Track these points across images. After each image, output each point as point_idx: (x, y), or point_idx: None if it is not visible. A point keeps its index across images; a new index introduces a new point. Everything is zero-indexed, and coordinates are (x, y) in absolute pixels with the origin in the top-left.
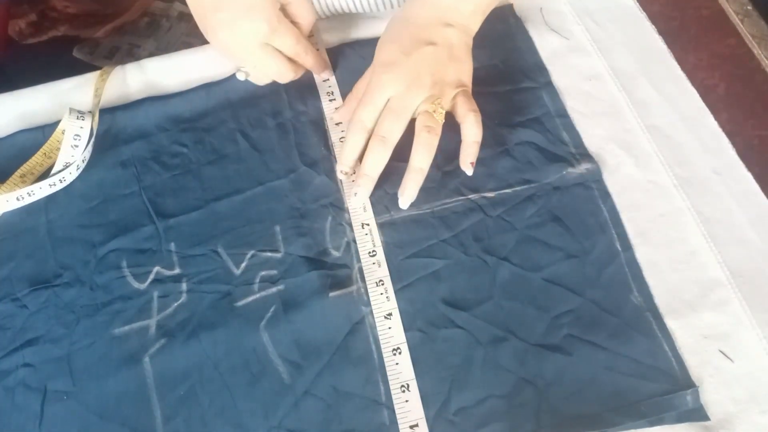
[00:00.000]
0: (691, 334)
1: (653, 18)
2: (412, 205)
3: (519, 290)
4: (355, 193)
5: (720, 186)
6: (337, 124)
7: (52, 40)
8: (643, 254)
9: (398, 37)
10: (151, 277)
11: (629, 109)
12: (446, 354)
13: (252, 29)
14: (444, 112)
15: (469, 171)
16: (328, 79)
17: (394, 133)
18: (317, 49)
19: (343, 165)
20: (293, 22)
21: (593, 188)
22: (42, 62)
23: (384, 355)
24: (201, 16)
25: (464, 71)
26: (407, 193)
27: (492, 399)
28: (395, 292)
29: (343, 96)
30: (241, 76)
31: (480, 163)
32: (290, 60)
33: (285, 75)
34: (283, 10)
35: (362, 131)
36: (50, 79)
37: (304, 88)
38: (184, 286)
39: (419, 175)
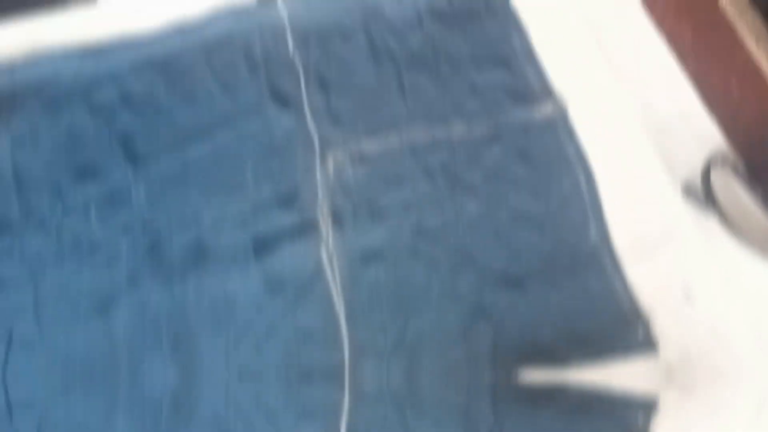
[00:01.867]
0: (653, 275)
1: None
2: (381, 138)
3: (484, 224)
4: None
5: (685, 130)
6: None
7: None
8: (606, 195)
9: None
10: (120, 225)
11: (597, 53)
12: (407, 282)
13: None
14: None
15: None
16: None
17: None
18: None
19: None
20: None
21: (558, 127)
22: None
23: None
24: None
25: None
26: None
27: (448, 324)
28: (366, 227)
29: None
30: None
31: (449, 102)
32: None
33: None
34: None
35: None
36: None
37: (276, 28)
38: (152, 233)
39: None
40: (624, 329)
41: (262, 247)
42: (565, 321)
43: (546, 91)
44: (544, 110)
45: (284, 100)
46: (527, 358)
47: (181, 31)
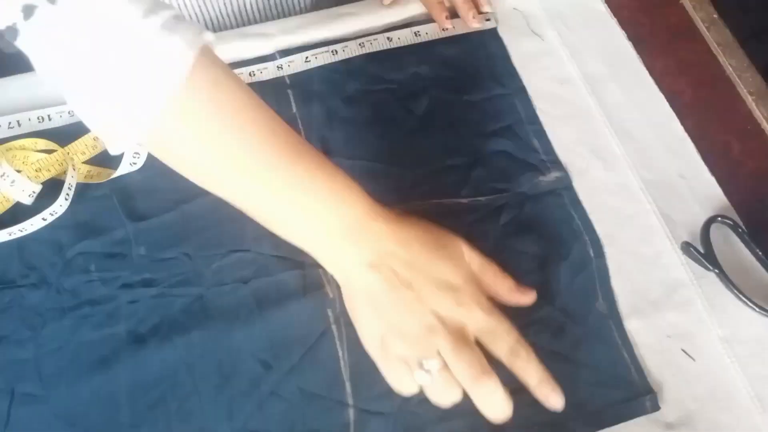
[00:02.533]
0: (654, 333)
1: (623, 23)
2: (384, 200)
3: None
4: None
5: (685, 189)
6: None
7: None
8: (610, 256)
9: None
10: (121, 282)
11: (598, 112)
12: None
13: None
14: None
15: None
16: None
17: None
18: None
19: None
20: None
21: (564, 196)
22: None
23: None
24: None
25: None
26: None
27: None
28: None
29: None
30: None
31: (453, 170)
32: None
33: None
34: None
35: None
36: (22, 71)
37: (279, 88)
38: (154, 290)
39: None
40: (633, 402)
41: (266, 305)
42: (574, 396)
43: (551, 158)
44: (549, 178)
45: None
46: None
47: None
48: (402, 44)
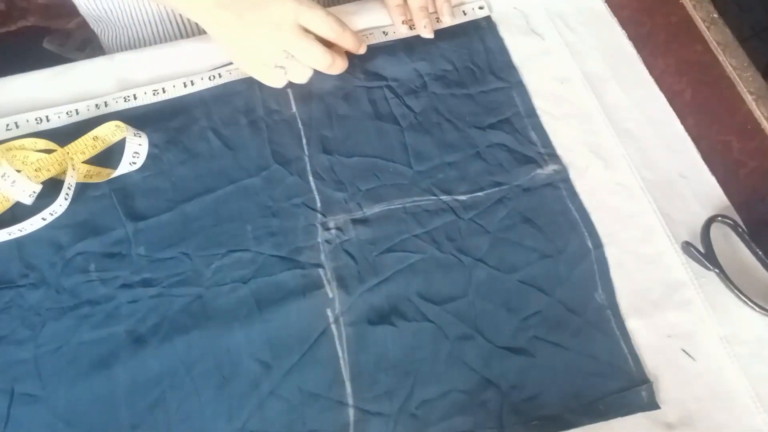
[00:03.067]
0: (655, 333)
1: (624, 23)
2: (384, 201)
3: (494, 291)
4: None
5: (685, 188)
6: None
7: (22, 31)
8: (610, 255)
9: None
10: (120, 282)
11: (598, 112)
12: (413, 348)
13: (282, 11)
14: None
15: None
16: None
17: None
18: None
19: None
20: None
21: (561, 188)
22: (11, 53)
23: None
24: (225, 31)
25: None
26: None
27: (454, 393)
28: (371, 288)
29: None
30: (279, 76)
31: (452, 165)
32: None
33: (323, 56)
34: None
35: None
36: (19, 71)
37: (279, 91)
38: (153, 290)
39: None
40: (629, 392)
41: (266, 304)
42: (572, 386)
43: (549, 152)
44: (547, 171)
45: (285, 159)
46: (533, 426)
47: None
48: (398, 38)
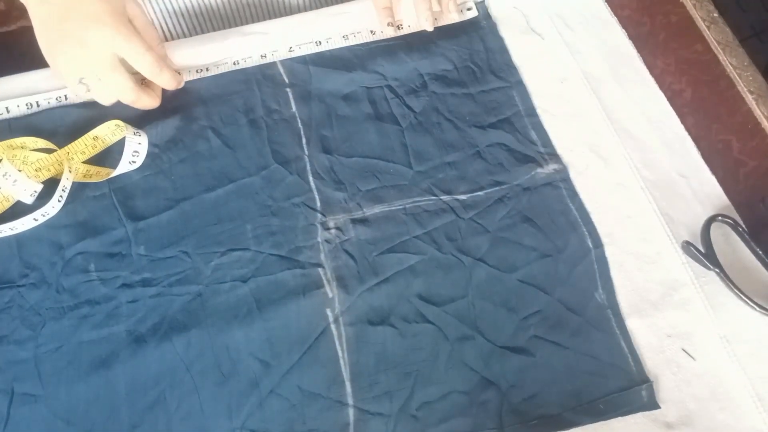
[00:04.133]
0: (655, 332)
1: (623, 22)
2: (384, 202)
3: (494, 291)
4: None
5: (685, 188)
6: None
7: (22, 31)
8: (610, 254)
9: None
10: (120, 281)
11: (598, 111)
12: (414, 349)
13: (99, 36)
14: None
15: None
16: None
17: None
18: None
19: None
20: None
21: (561, 188)
22: (11, 53)
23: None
24: (44, 29)
25: None
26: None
27: (454, 395)
28: (371, 288)
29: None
30: (81, 90)
31: (452, 165)
32: (136, 80)
33: (129, 92)
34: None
35: None
36: (19, 71)
37: (277, 87)
38: (153, 290)
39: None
40: (629, 392)
41: (266, 303)
42: (572, 385)
43: (549, 151)
44: (547, 170)
45: (285, 159)
46: (533, 426)
47: (181, 87)
48: (385, 36)
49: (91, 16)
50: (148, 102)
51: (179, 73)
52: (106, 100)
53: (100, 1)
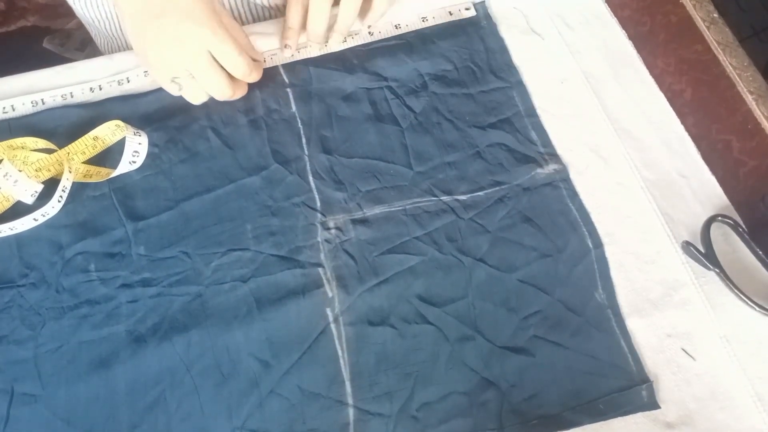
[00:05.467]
0: (655, 332)
1: (623, 23)
2: (384, 202)
3: (494, 291)
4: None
5: (685, 188)
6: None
7: (21, 31)
8: (610, 254)
9: None
10: (120, 281)
11: (598, 111)
12: (414, 350)
13: (196, 34)
14: None
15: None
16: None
17: None
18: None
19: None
20: None
21: (561, 188)
22: (10, 53)
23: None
24: (136, 24)
25: None
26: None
27: (455, 396)
28: (371, 288)
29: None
30: (173, 89)
31: (452, 165)
32: (230, 76)
33: (223, 89)
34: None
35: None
36: (19, 71)
37: (278, 87)
38: (153, 290)
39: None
40: (630, 392)
41: (266, 304)
42: (572, 385)
43: (549, 151)
44: (547, 170)
45: (285, 159)
46: (533, 426)
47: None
48: (383, 36)
49: (187, 13)
50: (241, 92)
51: (264, 60)
52: (198, 99)
53: None
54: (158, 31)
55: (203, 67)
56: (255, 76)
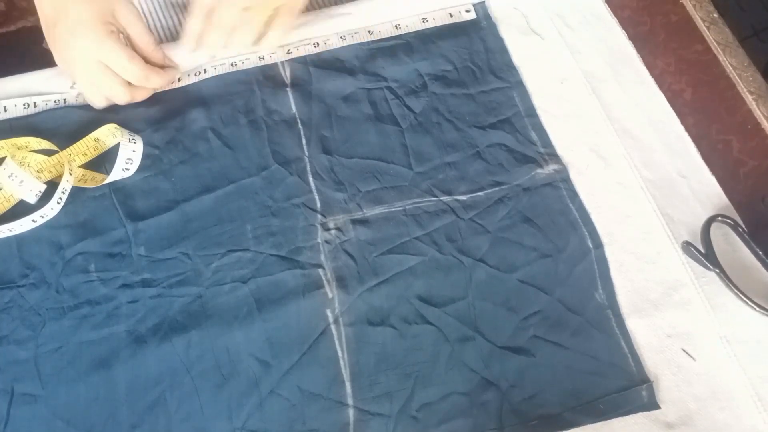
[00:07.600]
0: (655, 333)
1: (624, 23)
2: (384, 203)
3: (494, 291)
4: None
5: (685, 188)
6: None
7: (22, 31)
8: (610, 254)
9: None
10: (120, 282)
11: (598, 111)
12: (414, 350)
13: (81, 46)
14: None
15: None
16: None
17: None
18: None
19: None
20: (133, 45)
21: (561, 188)
22: (11, 53)
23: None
24: (45, 30)
25: None
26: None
27: (455, 396)
28: (371, 289)
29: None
30: (75, 94)
31: (452, 166)
32: (127, 82)
33: (118, 95)
34: (123, 32)
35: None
36: (19, 72)
37: (278, 87)
38: (153, 290)
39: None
40: (630, 392)
41: (266, 304)
42: (572, 385)
43: (549, 151)
44: (547, 171)
45: (285, 159)
46: (533, 426)
47: (180, 88)
48: (382, 36)
49: (76, 24)
50: (142, 95)
51: (177, 69)
52: (98, 103)
53: (87, 6)
54: (54, 40)
55: (94, 75)
56: (156, 81)
